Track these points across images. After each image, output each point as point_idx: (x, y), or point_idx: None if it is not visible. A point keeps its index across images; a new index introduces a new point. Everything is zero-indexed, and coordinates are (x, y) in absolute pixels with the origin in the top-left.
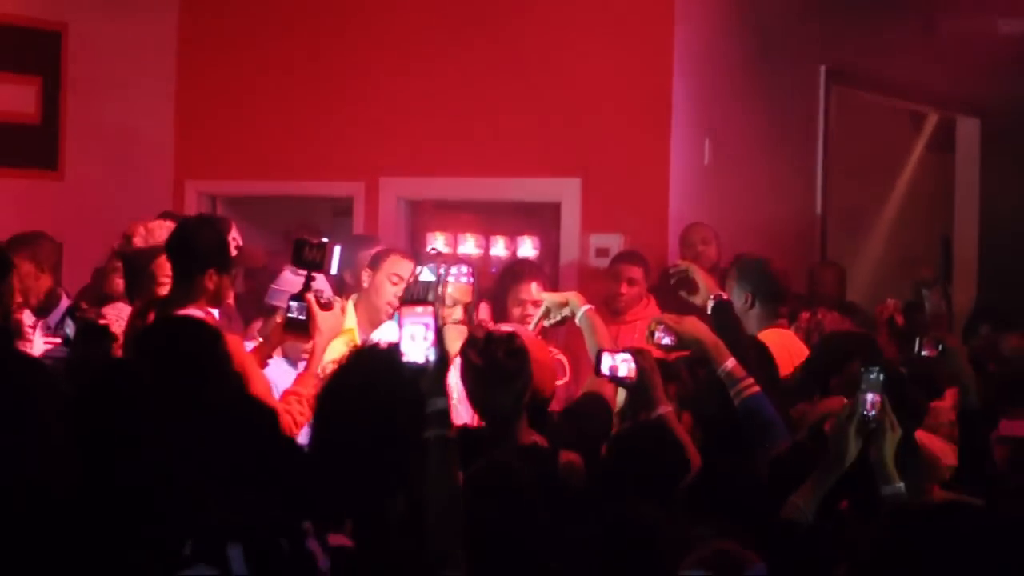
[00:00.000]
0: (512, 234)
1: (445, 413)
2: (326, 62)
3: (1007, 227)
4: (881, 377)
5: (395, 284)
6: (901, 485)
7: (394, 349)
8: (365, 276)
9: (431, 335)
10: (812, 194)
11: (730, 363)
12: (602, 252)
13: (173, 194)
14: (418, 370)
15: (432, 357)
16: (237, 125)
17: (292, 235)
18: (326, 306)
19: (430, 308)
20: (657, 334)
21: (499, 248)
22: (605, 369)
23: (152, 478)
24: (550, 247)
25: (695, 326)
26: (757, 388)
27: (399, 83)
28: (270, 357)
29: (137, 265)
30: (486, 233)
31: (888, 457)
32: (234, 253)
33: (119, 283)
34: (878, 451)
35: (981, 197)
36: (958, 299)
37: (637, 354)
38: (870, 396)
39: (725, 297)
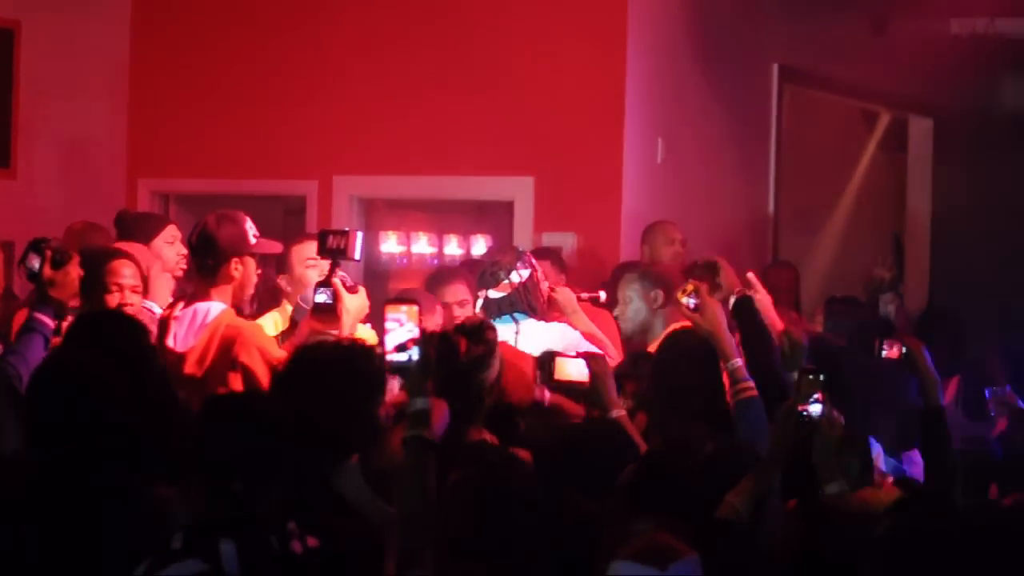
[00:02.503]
0: (465, 233)
1: (425, 414)
2: (279, 61)
3: (959, 227)
4: (821, 378)
5: (312, 267)
6: (843, 483)
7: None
8: (284, 280)
9: (414, 335)
10: (764, 193)
11: (737, 362)
12: None
13: (126, 192)
14: (399, 368)
15: (415, 357)
16: (190, 123)
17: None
18: (351, 290)
19: (415, 307)
20: (688, 300)
21: (452, 247)
22: (561, 374)
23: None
24: (503, 246)
25: (714, 317)
26: (755, 392)
27: (352, 82)
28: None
29: (90, 266)
30: (439, 232)
31: (828, 456)
32: (253, 243)
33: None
34: (818, 451)
35: (933, 197)
36: (910, 298)
37: (591, 359)
38: (810, 396)
39: (748, 293)
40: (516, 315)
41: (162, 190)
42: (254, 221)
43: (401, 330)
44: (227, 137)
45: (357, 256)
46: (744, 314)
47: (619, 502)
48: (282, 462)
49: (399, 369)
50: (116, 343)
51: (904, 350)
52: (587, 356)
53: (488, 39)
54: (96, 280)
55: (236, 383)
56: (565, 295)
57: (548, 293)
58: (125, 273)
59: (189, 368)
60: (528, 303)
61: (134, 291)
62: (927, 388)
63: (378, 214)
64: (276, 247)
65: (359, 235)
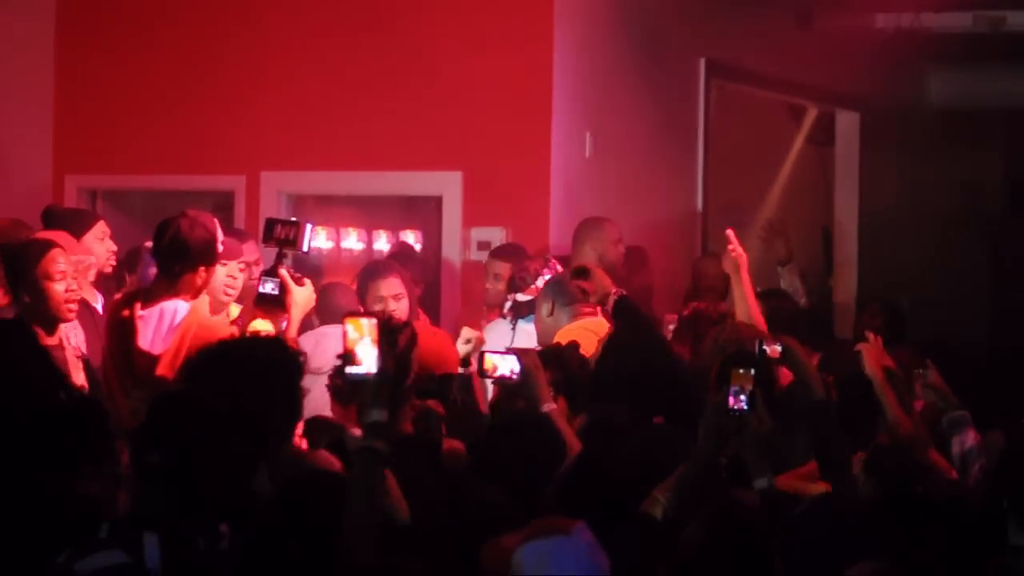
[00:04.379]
0: (394, 228)
1: (380, 426)
2: (207, 56)
3: (887, 220)
4: (752, 372)
5: (224, 265)
6: (770, 478)
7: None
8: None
9: (374, 347)
10: (693, 187)
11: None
12: (483, 245)
13: (53, 189)
14: (359, 380)
15: (374, 369)
16: (117, 119)
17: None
18: (298, 281)
19: (374, 320)
20: None
21: (382, 243)
22: (487, 367)
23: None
24: (432, 241)
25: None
26: None
27: (280, 77)
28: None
29: (20, 260)
30: (368, 228)
31: (757, 451)
32: (220, 249)
33: None
34: (746, 445)
35: (860, 190)
36: (839, 293)
37: (522, 354)
38: (737, 391)
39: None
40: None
41: (89, 186)
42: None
43: (361, 343)
44: (155, 132)
45: (305, 247)
46: (624, 313)
47: (551, 499)
48: (215, 460)
49: (358, 381)
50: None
51: (781, 348)
52: (518, 351)
53: (416, 34)
54: (34, 270)
55: None
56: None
57: None
58: (64, 261)
59: (161, 370)
60: None
61: (76, 277)
62: (807, 384)
63: (307, 210)
64: (238, 251)
65: (308, 227)
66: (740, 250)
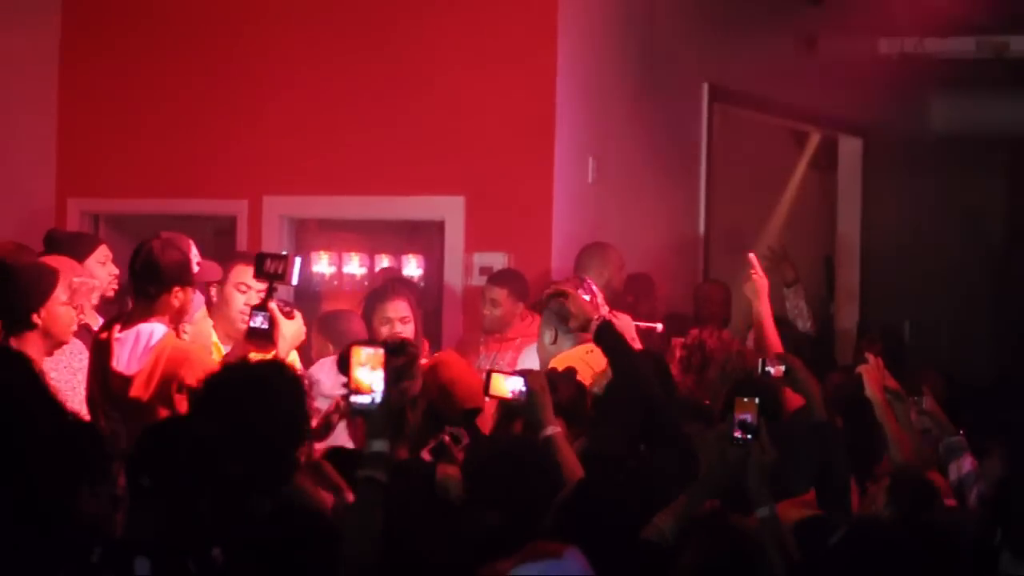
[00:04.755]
0: (396, 253)
1: (383, 456)
2: (210, 80)
3: (889, 246)
4: (756, 401)
5: (243, 292)
6: (772, 507)
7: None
8: (214, 290)
9: (380, 377)
10: (695, 212)
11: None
12: (485, 270)
13: (55, 212)
14: (363, 411)
15: (377, 400)
16: (120, 143)
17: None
18: (288, 315)
19: (380, 351)
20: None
21: (383, 267)
22: (495, 391)
23: None
24: (434, 266)
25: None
26: None
27: (283, 102)
28: None
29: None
30: (370, 252)
31: (760, 480)
32: (196, 270)
33: None
34: (750, 474)
35: (863, 216)
36: (841, 319)
37: (528, 376)
38: (741, 420)
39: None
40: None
41: (92, 210)
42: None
43: (366, 372)
44: (157, 157)
45: (294, 281)
46: (607, 339)
47: (551, 525)
48: (205, 484)
49: (361, 411)
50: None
51: (784, 368)
52: (525, 373)
53: (419, 60)
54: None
55: (182, 406)
56: (623, 322)
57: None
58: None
59: (135, 391)
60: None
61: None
62: (810, 405)
63: (309, 234)
64: (216, 273)
65: (297, 260)
66: (763, 276)
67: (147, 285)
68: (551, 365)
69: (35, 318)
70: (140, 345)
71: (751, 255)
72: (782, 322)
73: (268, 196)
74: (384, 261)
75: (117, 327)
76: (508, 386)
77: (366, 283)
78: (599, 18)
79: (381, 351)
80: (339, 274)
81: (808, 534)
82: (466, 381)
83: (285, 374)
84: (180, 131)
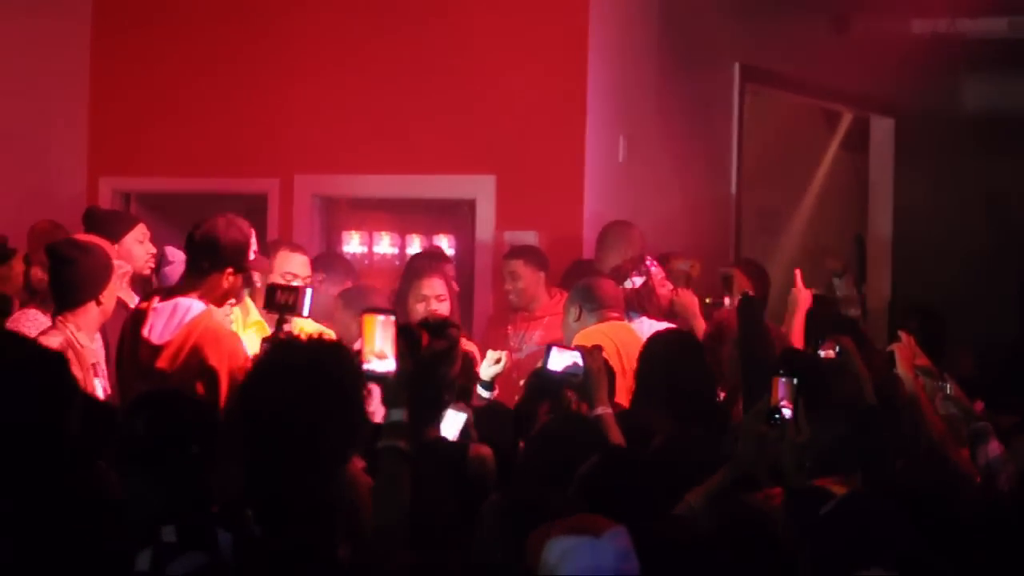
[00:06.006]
0: (427, 232)
1: (402, 425)
2: (241, 58)
3: (920, 226)
4: (795, 382)
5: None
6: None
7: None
8: (258, 277)
9: (391, 345)
10: (726, 192)
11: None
12: None
13: (87, 191)
14: (378, 379)
15: (392, 368)
16: (151, 122)
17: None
18: None
19: (391, 317)
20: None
21: (415, 247)
22: (552, 366)
23: None
24: (465, 244)
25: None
26: None
27: (314, 80)
28: None
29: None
30: (401, 231)
31: (795, 459)
32: (252, 258)
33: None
34: (785, 453)
35: (895, 196)
36: (872, 299)
37: (587, 353)
38: (781, 401)
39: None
40: (631, 314)
41: (123, 188)
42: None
43: (379, 339)
44: (188, 135)
45: (305, 313)
46: (747, 314)
47: (576, 494)
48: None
49: (377, 379)
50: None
51: (838, 349)
52: (584, 350)
53: (451, 39)
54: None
55: (200, 385)
56: (685, 299)
57: (670, 296)
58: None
59: (161, 362)
60: (640, 304)
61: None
62: (860, 387)
63: (340, 213)
64: (266, 266)
65: (308, 292)
66: (805, 291)
67: (202, 259)
68: (578, 342)
69: (101, 298)
70: (176, 318)
71: (797, 272)
72: (821, 301)
73: (299, 175)
74: (415, 240)
75: (156, 298)
76: (565, 360)
77: (397, 262)
78: None
79: (392, 318)
80: (370, 253)
81: (806, 504)
82: None
83: (342, 358)
84: (211, 110)
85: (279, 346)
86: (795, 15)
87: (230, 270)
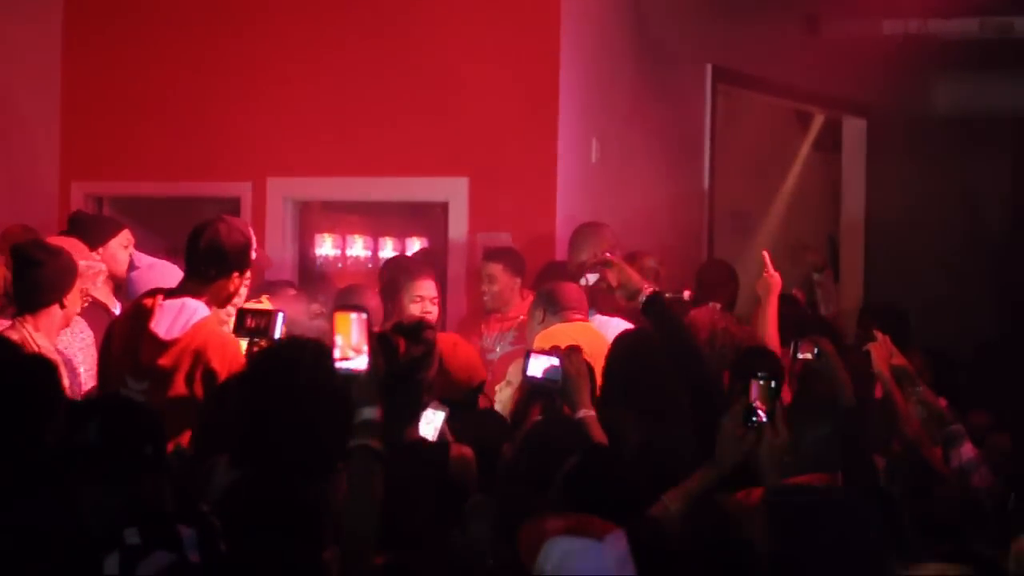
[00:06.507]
0: (400, 235)
1: (374, 423)
2: (213, 62)
3: (893, 227)
4: (772, 384)
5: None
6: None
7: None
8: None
9: (364, 342)
10: (699, 193)
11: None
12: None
13: (59, 195)
14: (349, 377)
15: (363, 365)
16: (123, 125)
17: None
18: None
19: (364, 315)
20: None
21: (388, 250)
22: (532, 372)
23: None
24: (439, 247)
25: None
26: None
27: (286, 83)
28: None
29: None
30: (374, 234)
31: (772, 462)
32: (254, 257)
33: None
34: (762, 456)
35: (867, 196)
36: (845, 299)
37: (565, 357)
38: (756, 402)
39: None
40: (590, 311)
41: (96, 192)
42: (189, 223)
43: (352, 336)
44: (161, 139)
45: (276, 336)
46: (656, 310)
47: (557, 494)
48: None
49: (348, 378)
50: None
51: (817, 351)
52: (562, 354)
53: (422, 41)
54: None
55: (199, 387)
56: None
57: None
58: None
59: (165, 359)
60: (596, 303)
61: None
62: (839, 389)
63: (313, 216)
64: (269, 262)
65: (280, 316)
66: (776, 275)
67: (208, 267)
68: (538, 343)
69: (65, 301)
70: (183, 317)
71: (765, 253)
72: (786, 300)
73: (272, 178)
74: (388, 243)
75: (161, 296)
76: (541, 365)
77: (370, 265)
78: (602, 0)
79: (364, 315)
80: (343, 256)
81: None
82: (461, 361)
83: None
84: (183, 113)
85: (267, 351)
86: (767, 16)
87: (236, 273)
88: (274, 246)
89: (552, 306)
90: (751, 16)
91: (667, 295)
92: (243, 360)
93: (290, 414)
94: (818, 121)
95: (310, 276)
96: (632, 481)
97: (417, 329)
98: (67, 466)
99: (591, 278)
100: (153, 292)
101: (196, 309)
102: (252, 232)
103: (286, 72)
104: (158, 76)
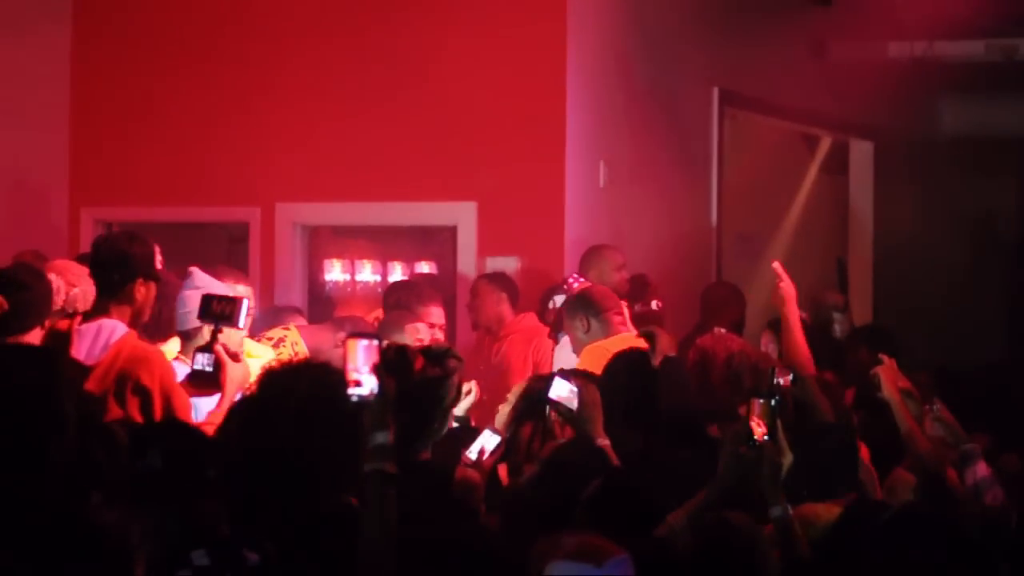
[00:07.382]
0: (409, 259)
1: (386, 448)
2: (222, 87)
3: (901, 249)
4: (773, 403)
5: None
6: (785, 507)
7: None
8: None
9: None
10: (707, 216)
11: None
12: None
13: (69, 221)
14: (360, 404)
15: (375, 390)
16: (133, 151)
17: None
18: (234, 357)
19: (375, 341)
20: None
21: (396, 274)
22: (554, 394)
23: None
24: (447, 271)
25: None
26: None
27: (295, 109)
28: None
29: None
30: (383, 259)
31: (773, 480)
32: (159, 267)
33: None
34: (763, 474)
35: (875, 219)
36: (855, 321)
37: (583, 386)
38: (756, 422)
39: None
40: (558, 335)
41: (105, 218)
42: (199, 249)
43: (361, 363)
44: (170, 165)
45: (241, 325)
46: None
47: (581, 517)
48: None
49: (359, 403)
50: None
51: (792, 376)
52: (579, 382)
53: (431, 66)
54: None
55: (133, 405)
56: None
57: None
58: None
59: (90, 384)
60: (562, 325)
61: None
62: (818, 415)
63: (322, 241)
64: (176, 286)
65: (245, 303)
66: (790, 284)
67: (112, 273)
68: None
69: (48, 323)
70: (101, 340)
71: (776, 264)
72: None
73: (280, 203)
74: (397, 267)
75: (78, 319)
76: (561, 390)
77: (379, 290)
78: (609, 24)
79: (376, 342)
80: (352, 281)
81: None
82: None
83: (332, 382)
84: (192, 139)
85: (276, 373)
86: (774, 40)
87: (140, 280)
88: (283, 271)
89: (591, 309)
90: (758, 40)
91: (636, 308)
92: (172, 369)
93: (299, 440)
94: (825, 144)
95: (318, 301)
96: (652, 504)
97: (443, 355)
98: (74, 483)
99: (558, 300)
100: (67, 315)
101: (114, 328)
102: (159, 250)
103: (295, 98)
104: (167, 102)
